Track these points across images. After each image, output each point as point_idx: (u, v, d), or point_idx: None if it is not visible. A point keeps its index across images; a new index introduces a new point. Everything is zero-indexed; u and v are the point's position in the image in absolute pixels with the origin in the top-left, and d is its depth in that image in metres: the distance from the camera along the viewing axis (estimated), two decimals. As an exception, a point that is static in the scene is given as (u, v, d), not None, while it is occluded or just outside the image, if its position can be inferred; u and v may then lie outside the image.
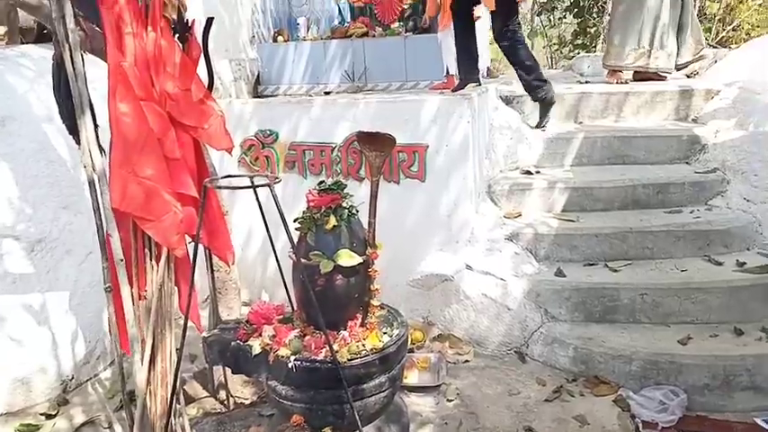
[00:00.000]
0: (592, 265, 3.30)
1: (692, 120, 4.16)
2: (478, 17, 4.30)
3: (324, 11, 5.23)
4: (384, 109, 3.52)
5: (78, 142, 2.20)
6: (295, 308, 2.41)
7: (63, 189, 3.02)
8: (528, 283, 3.17)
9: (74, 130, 2.24)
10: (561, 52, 11.96)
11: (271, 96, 4.71)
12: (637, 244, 3.29)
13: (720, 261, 3.18)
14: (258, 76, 4.87)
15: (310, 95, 4.58)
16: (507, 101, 4.25)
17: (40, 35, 4.16)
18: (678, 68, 4.76)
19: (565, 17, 11.36)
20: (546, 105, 4.03)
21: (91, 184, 2.17)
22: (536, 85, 3.95)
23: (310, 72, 4.91)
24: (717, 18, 8.90)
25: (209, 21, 2.42)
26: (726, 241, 3.28)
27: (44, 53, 3.23)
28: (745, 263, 3.12)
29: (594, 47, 10.52)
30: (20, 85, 3.05)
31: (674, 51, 4.67)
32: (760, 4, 8.84)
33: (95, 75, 2.36)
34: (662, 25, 4.60)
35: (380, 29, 4.89)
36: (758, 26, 8.89)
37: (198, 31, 2.46)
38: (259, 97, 4.71)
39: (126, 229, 2.30)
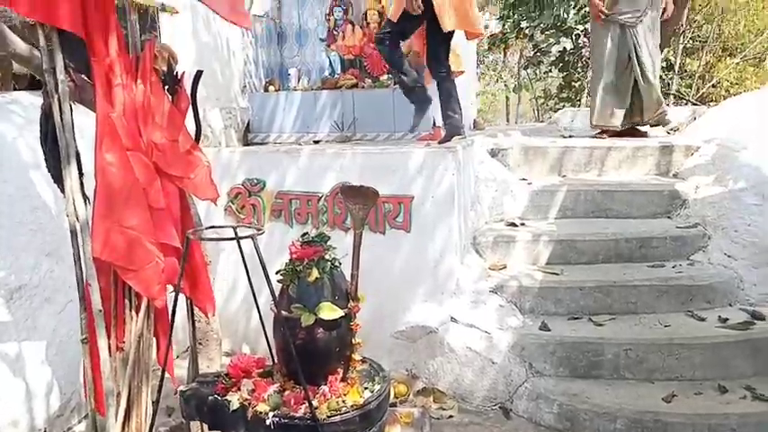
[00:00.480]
0: (576, 318, 3.29)
1: (673, 175, 4.24)
2: (462, 71, 4.40)
3: (314, 62, 5.36)
4: (371, 160, 3.57)
5: (63, 191, 2.20)
6: (276, 361, 2.38)
7: (46, 236, 3.00)
8: (513, 337, 3.16)
9: (59, 180, 2.25)
10: (547, 104, 12.24)
11: (260, 144, 4.76)
12: (620, 298, 3.30)
13: (703, 317, 3.19)
14: (248, 124, 4.93)
15: (299, 144, 4.63)
16: (493, 153, 4.32)
17: (33, 81, 4.21)
18: (641, 125, 4.90)
19: (550, 71, 11.68)
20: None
21: (73, 233, 2.16)
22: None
23: (300, 121, 4.99)
24: (697, 75, 9.20)
25: (199, 74, 2.46)
26: (708, 297, 3.30)
27: (34, 100, 3.26)
28: (727, 319, 3.13)
29: (579, 100, 10.79)
30: (9, 132, 3.06)
31: (646, 108, 4.77)
32: (737, 63, 9.16)
33: (84, 122, 2.39)
34: (631, 84, 4.73)
35: (370, 80, 5.01)
36: (736, 83, 9.20)
37: (188, 82, 2.50)
38: (249, 145, 4.76)
39: (107, 278, 2.28)
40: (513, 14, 10.78)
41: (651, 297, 3.28)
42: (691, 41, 9.35)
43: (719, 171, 3.82)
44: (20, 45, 2.08)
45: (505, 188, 4.02)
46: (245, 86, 5.05)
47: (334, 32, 5.18)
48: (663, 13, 4.69)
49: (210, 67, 4.59)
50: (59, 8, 2.01)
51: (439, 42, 3.97)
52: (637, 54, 4.65)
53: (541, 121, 10.60)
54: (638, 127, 4.87)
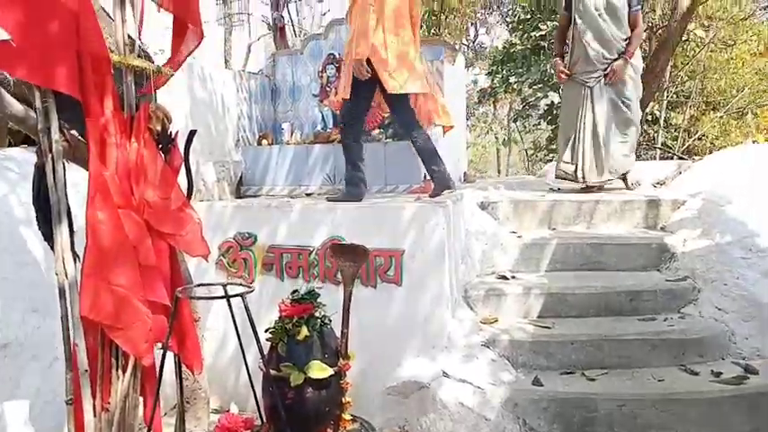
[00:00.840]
0: (569, 373, 3.26)
1: (661, 228, 4.29)
2: (451, 126, 4.50)
3: (307, 117, 5.46)
4: (362, 215, 3.60)
5: (53, 249, 2.21)
6: (264, 421, 2.34)
7: (34, 292, 2.98)
8: (506, 392, 3.12)
9: (49, 238, 2.26)
10: (537, 156, 12.44)
11: (253, 197, 4.79)
12: (613, 352, 3.28)
13: (696, 371, 3.17)
14: (241, 177, 4.98)
15: (291, 197, 4.68)
16: (483, 206, 4.37)
17: (29, 137, 4.26)
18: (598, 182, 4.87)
19: (539, 124, 11.93)
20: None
21: (61, 291, 2.16)
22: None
23: (293, 174, 5.04)
24: (682, 128, 9.42)
25: (192, 133, 2.52)
26: (701, 350, 3.29)
27: (29, 156, 3.30)
28: (720, 373, 3.11)
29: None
30: (1, 188, 3.09)
31: (601, 167, 4.77)
32: (721, 117, 9.40)
33: (77, 177, 2.42)
34: (585, 141, 4.76)
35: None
36: (720, 136, 9.41)
37: (181, 141, 2.55)
38: (241, 197, 4.80)
39: (94, 336, 2.26)
40: (502, 70, 11.09)
41: (644, 351, 3.27)
42: (675, 96, 9.60)
43: (706, 225, 3.87)
44: (16, 106, 2.13)
45: (496, 241, 4.05)
46: (239, 140, 5.12)
47: (327, 89, 5.31)
48: (606, 77, 4.67)
49: (205, 121, 4.67)
50: (57, 71, 2.06)
51: (402, 107, 3.95)
52: (593, 113, 4.69)
53: (532, 174, 10.74)
54: (598, 183, 4.82)
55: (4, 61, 1.94)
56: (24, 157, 3.34)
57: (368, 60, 3.73)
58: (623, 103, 4.71)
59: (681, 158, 6.67)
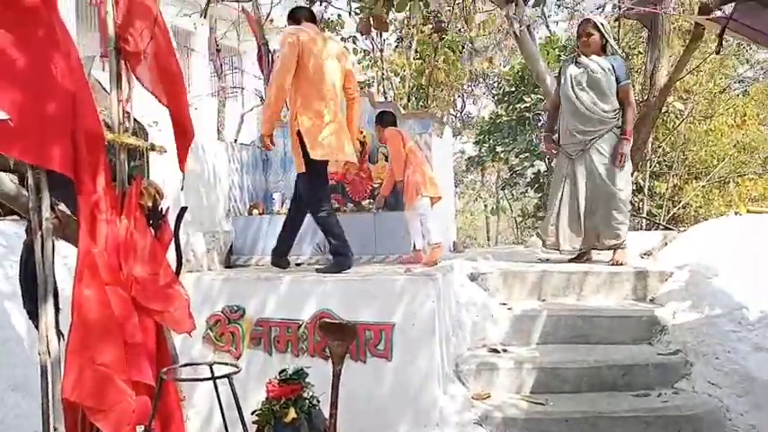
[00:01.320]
0: (564, 452, 3.18)
1: (650, 300, 4.29)
2: (439, 197, 4.56)
3: (298, 187, 5.50)
4: (351, 287, 3.59)
5: (38, 327, 2.17)
6: None
7: (15, 369, 2.90)
8: (499, 473, 3.02)
9: (34, 316, 2.22)
10: (525, 223, 12.56)
11: (243, 266, 4.77)
12: (607, 429, 3.21)
13: (693, 449, 3.09)
14: (231, 246, 4.97)
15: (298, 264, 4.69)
16: (472, 277, 4.37)
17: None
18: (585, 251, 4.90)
19: (527, 191, 12.12)
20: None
21: (43, 371, 2.10)
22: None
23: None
24: (666, 197, 9.60)
25: (183, 210, 2.53)
26: (696, 427, 3.22)
27: (17, 229, 3.29)
28: (717, 451, 3.04)
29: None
30: (-13, 262, 3.06)
31: (587, 237, 4.78)
32: (703, 186, 9.61)
33: (67, 251, 2.40)
34: (577, 209, 4.76)
35: (351, 205, 5.16)
36: (704, 205, 9.59)
37: (171, 216, 2.56)
38: (231, 267, 4.77)
39: (73, 417, 2.19)
40: (489, 139, 11.37)
41: (638, 429, 3.20)
42: (658, 165, 9.84)
43: (694, 297, 3.88)
44: (7, 185, 2.14)
45: (486, 313, 4.03)
46: (230, 210, 5.15)
47: (318, 160, 5.38)
48: (615, 162, 4.63)
49: (196, 192, 4.71)
50: (52, 151, 2.08)
51: (304, 180, 4.01)
52: (575, 185, 4.72)
53: (521, 242, 10.82)
54: (575, 250, 4.85)
55: (2, 142, 1.96)
56: (13, 230, 3.33)
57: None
58: (609, 177, 4.64)
59: (666, 228, 6.75)
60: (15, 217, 4.06)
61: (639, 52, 9.23)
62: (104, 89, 2.90)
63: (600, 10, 8.15)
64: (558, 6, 8.09)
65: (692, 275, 4.07)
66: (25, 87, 2.03)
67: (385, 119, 4.73)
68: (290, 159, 5.58)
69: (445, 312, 3.65)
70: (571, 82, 4.68)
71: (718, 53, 4.91)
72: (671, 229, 6.13)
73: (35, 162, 2.09)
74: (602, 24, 4.73)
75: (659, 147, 9.51)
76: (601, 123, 4.64)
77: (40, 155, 2.07)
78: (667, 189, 9.48)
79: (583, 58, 4.69)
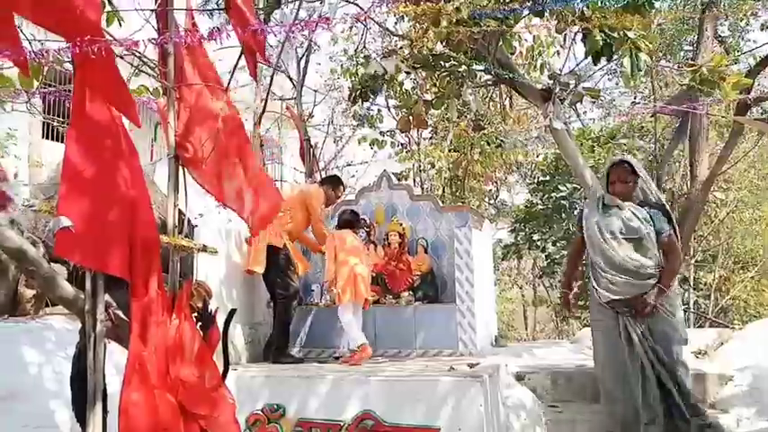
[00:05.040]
0: None
1: (710, 405, 4.03)
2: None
3: (336, 278, 5.49)
4: (394, 387, 3.47)
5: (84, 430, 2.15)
6: None
7: (54, 471, 2.85)
8: None
9: (82, 419, 2.21)
10: (565, 313, 12.21)
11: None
12: None
13: None
14: (269, 338, 4.93)
15: (320, 360, 4.61)
16: (519, 377, 4.21)
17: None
18: None
19: (565, 280, 11.80)
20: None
21: (87, 480, 2.05)
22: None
23: (322, 336, 5.01)
24: (713, 288, 9.27)
25: (232, 312, 2.53)
26: None
27: (67, 325, 3.34)
28: None
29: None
30: (36, 358, 3.09)
31: None
32: (752, 277, 9.28)
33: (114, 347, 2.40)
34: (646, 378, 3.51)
35: (391, 297, 5.11)
36: (754, 296, 9.22)
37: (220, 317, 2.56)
38: (268, 359, 4.71)
39: None
40: (525, 227, 11.32)
41: None
42: (702, 255, 9.59)
43: (759, 404, 3.64)
44: (67, 290, 2.18)
45: (536, 417, 3.83)
46: (269, 302, 5.15)
47: (357, 252, 5.40)
48: (636, 312, 3.51)
49: (237, 286, 4.75)
50: (110, 256, 2.14)
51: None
52: (633, 346, 3.53)
53: (561, 333, 10.48)
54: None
55: (64, 248, 2.02)
56: (63, 325, 3.38)
57: None
58: (665, 343, 3.53)
59: (717, 323, 6.46)
60: (60, 308, 4.15)
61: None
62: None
63: (636, 104, 8.23)
64: (593, 102, 8.22)
65: (755, 380, 3.84)
66: (91, 196, 2.13)
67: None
68: (328, 252, 5.65)
69: (492, 416, 3.48)
70: (599, 230, 3.64)
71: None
72: (724, 326, 5.86)
73: (95, 267, 2.14)
74: (639, 169, 3.78)
75: (702, 237, 9.30)
76: (642, 278, 3.56)
77: (99, 260, 2.13)
78: (713, 280, 9.18)
79: (613, 202, 3.67)
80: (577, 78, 4.79)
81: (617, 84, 9.36)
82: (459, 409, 3.28)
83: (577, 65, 5.46)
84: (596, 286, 3.61)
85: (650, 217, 3.64)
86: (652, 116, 7.10)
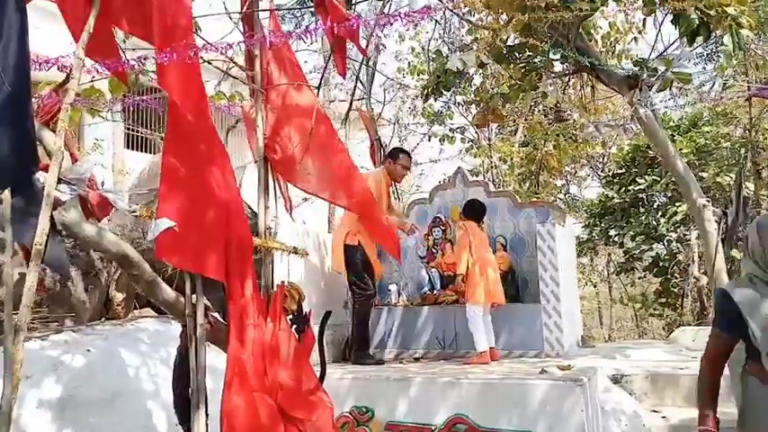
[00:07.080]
0: None
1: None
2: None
3: (413, 278, 5.41)
4: (488, 390, 3.34)
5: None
6: None
7: (154, 473, 2.89)
8: None
9: (185, 421, 2.21)
10: (645, 311, 11.67)
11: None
12: None
13: None
14: (348, 339, 4.89)
15: (400, 361, 4.52)
16: (615, 379, 3.97)
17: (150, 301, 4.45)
18: None
19: (645, 276, 11.31)
20: None
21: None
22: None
23: (401, 337, 4.94)
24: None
25: (327, 314, 2.48)
26: None
27: (159, 326, 3.40)
28: None
29: (681, 306, 10.21)
30: (133, 361, 3.14)
31: None
32: None
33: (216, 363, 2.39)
34: None
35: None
36: None
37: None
38: (347, 359, 4.68)
39: None
40: (600, 222, 10.88)
41: None
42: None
43: None
44: (169, 293, 2.18)
45: (637, 423, 3.60)
46: (347, 303, 5.13)
47: (433, 251, 5.31)
48: None
49: (317, 284, 4.74)
50: (207, 259, 2.13)
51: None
52: None
53: (644, 333, 9.97)
54: None
55: (164, 251, 2.02)
56: (155, 327, 3.44)
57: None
58: None
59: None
60: (150, 310, 4.25)
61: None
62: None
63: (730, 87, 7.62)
64: (679, 89, 7.75)
65: None
66: (188, 199, 2.12)
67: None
68: (405, 250, 5.52)
69: (593, 422, 3.29)
70: None
71: None
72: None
73: (193, 270, 2.13)
74: None
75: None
76: None
77: (197, 263, 2.12)
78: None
79: None
80: (668, 63, 4.51)
81: (704, 68, 8.79)
82: (560, 414, 3.11)
83: (666, 49, 5.13)
84: None
85: None
86: (746, 100, 6.62)
